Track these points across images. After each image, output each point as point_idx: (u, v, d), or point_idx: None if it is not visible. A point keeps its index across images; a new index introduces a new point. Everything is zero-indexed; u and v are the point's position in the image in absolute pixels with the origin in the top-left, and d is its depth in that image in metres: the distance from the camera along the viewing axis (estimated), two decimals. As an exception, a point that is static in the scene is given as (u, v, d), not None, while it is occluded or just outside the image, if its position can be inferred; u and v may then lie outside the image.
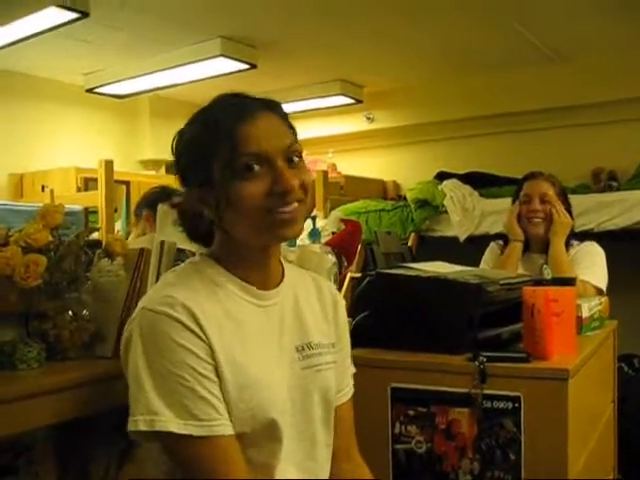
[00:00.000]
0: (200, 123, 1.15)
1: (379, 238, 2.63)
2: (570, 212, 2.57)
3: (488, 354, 1.51)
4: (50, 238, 1.34)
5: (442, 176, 4.53)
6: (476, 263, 2.62)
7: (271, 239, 1.15)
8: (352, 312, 1.80)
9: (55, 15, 3.48)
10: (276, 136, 1.11)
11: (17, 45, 3.95)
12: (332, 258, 1.79)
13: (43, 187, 4.65)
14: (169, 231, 1.41)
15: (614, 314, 2.18)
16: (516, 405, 1.45)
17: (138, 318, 1.07)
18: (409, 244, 4.13)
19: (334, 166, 5.51)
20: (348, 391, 1.33)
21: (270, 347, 1.15)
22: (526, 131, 5.00)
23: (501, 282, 1.72)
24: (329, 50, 4.59)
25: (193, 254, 1.36)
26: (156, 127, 5.67)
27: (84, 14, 3.43)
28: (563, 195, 2.59)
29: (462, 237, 4.09)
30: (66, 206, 1.43)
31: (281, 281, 1.21)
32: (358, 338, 1.63)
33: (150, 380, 1.02)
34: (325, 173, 4.65)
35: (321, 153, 5.60)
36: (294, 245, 1.80)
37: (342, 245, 1.99)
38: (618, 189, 3.98)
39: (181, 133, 1.17)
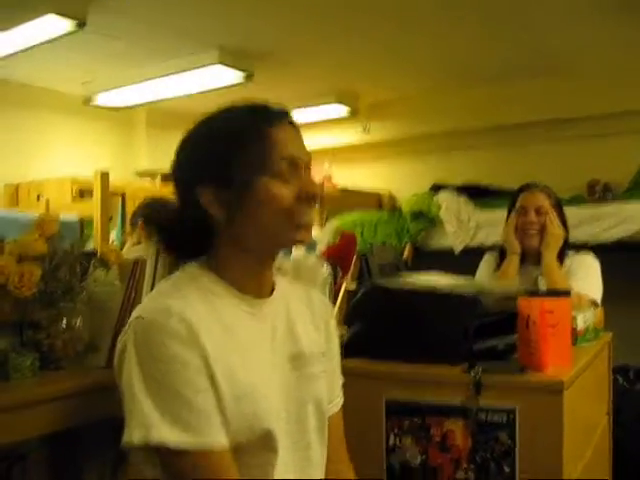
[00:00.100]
0: (222, 122, 1.15)
1: (374, 249, 2.63)
2: (565, 224, 2.57)
3: (483, 366, 1.50)
4: (45, 248, 1.34)
5: (437, 188, 4.54)
6: (471, 274, 2.61)
7: (287, 242, 1.17)
8: (347, 323, 1.80)
9: (52, 24, 3.49)
10: (303, 143, 1.16)
11: (14, 55, 3.96)
12: (327, 269, 1.79)
13: (38, 197, 4.64)
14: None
15: (609, 326, 2.17)
16: (511, 417, 1.45)
17: (133, 327, 1.05)
18: (404, 255, 4.14)
19: (330, 177, 5.52)
20: (339, 402, 1.33)
21: (265, 356, 1.14)
22: (522, 143, 5.02)
23: (496, 294, 1.72)
24: (326, 61, 4.59)
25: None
26: (152, 138, 5.67)
27: (81, 23, 3.45)
28: (558, 207, 2.59)
29: (457, 248, 4.09)
30: (61, 216, 1.43)
31: (273, 290, 1.21)
32: (353, 349, 1.63)
33: (144, 391, 1.01)
34: (321, 185, 4.65)
35: (317, 164, 5.59)
36: (291, 254, 1.80)
37: (338, 256, 2.00)
38: (613, 201, 3.99)
39: (190, 133, 1.17)
